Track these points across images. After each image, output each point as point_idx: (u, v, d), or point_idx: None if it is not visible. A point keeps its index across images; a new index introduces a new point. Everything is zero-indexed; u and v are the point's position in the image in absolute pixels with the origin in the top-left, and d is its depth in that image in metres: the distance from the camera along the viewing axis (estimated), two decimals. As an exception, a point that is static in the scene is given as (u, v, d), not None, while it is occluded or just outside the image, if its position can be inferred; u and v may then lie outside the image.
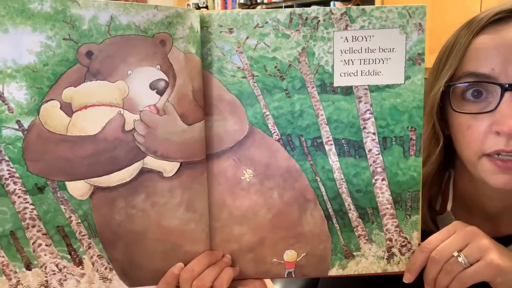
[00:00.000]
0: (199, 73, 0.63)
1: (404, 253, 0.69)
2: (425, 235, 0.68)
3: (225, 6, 4.44)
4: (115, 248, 0.64)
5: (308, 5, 3.84)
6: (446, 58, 0.71)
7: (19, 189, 0.60)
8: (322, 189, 0.67)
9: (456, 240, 0.63)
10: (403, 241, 0.68)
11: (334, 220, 0.68)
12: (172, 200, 0.64)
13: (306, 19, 0.62)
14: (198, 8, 4.35)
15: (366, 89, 0.64)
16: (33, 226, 0.61)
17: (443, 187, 0.81)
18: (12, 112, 0.58)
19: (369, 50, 0.62)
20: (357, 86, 0.64)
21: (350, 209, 0.67)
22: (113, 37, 0.58)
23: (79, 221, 0.63)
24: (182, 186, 0.64)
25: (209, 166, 0.66)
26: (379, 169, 0.66)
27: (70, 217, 0.62)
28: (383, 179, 0.66)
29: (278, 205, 0.67)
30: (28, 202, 0.61)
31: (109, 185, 0.62)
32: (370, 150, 0.65)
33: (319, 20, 0.62)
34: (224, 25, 0.63)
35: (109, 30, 0.58)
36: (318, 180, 0.66)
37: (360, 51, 0.62)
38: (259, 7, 4.21)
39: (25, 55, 0.57)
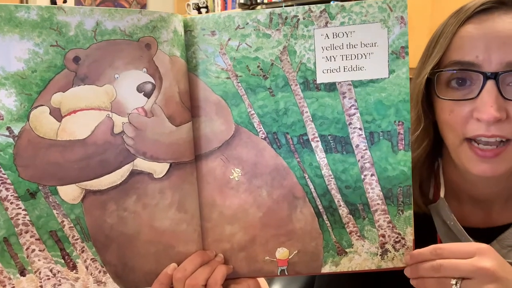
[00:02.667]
0: (184, 75, 0.65)
1: (398, 249, 0.69)
2: (417, 217, 0.68)
3: (225, 6, 4.41)
4: (108, 251, 0.65)
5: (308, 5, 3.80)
6: (433, 46, 0.73)
7: (11, 195, 0.61)
8: (311, 186, 0.67)
9: (467, 266, 0.59)
10: (397, 237, 0.69)
11: (325, 217, 0.68)
12: (163, 201, 0.65)
13: (286, 18, 0.64)
14: (198, 8, 4.35)
15: (349, 84, 0.65)
16: (26, 232, 0.62)
17: (435, 176, 0.82)
18: (2, 119, 0.59)
19: (351, 46, 0.64)
20: (340, 82, 0.65)
21: (340, 206, 0.68)
22: (99, 42, 0.60)
23: (72, 225, 0.63)
24: (172, 186, 0.65)
25: (198, 166, 0.67)
26: (367, 165, 0.67)
27: (62, 221, 0.63)
28: (372, 175, 0.67)
29: (267, 203, 0.68)
30: (20, 208, 0.62)
31: (100, 188, 0.63)
32: (357, 146, 0.66)
33: (298, 19, 0.64)
34: (207, 28, 0.65)
35: (95, 36, 0.60)
36: (306, 177, 0.67)
37: (341, 47, 0.64)
38: (259, 7, 4.19)
39: (13, 62, 0.58)
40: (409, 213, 0.68)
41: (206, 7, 4.39)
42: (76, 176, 0.62)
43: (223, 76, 0.66)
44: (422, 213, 0.78)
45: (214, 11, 4.37)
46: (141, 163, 0.63)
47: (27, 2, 4.04)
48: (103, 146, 0.62)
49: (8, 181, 0.61)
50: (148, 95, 0.62)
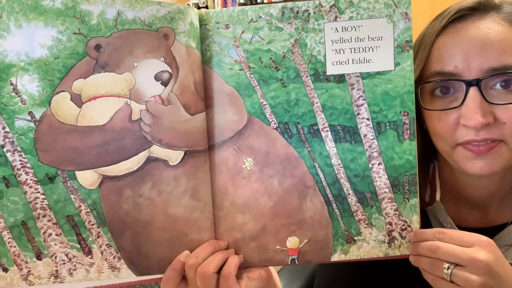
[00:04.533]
0: (199, 67, 0.67)
1: (405, 236, 0.71)
2: None
3: (225, 6, 4.48)
4: (123, 237, 0.66)
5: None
6: (413, 58, 0.75)
7: (30, 179, 0.63)
8: (321, 175, 0.69)
9: (462, 254, 0.60)
10: (403, 225, 0.71)
11: (334, 206, 0.70)
12: (177, 188, 0.66)
13: (297, 12, 0.67)
14: (198, 8, 4.38)
15: (358, 76, 0.68)
16: (44, 216, 0.64)
17: (430, 179, 0.83)
18: (25, 104, 0.61)
19: (359, 39, 0.67)
20: (349, 74, 0.68)
21: (349, 194, 0.70)
22: (120, 31, 0.63)
23: (88, 210, 0.65)
24: (186, 174, 0.67)
25: (211, 156, 0.69)
26: (375, 154, 0.69)
27: (79, 206, 0.64)
28: (379, 164, 0.69)
29: (278, 193, 0.70)
30: (39, 192, 0.63)
31: (117, 174, 0.65)
32: (365, 135, 0.69)
33: (309, 13, 0.67)
34: (221, 21, 0.68)
35: (116, 25, 0.62)
36: (317, 166, 0.69)
37: (350, 40, 0.67)
38: (258, 7, 4.23)
39: (37, 48, 0.61)
40: (415, 201, 0.70)
41: (206, 7, 4.43)
42: (94, 162, 0.64)
43: (237, 67, 0.68)
44: (422, 216, 0.79)
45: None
46: (157, 150, 0.65)
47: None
48: (121, 132, 0.64)
49: (28, 165, 0.62)
50: (165, 83, 0.64)
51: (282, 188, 0.70)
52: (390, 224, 0.70)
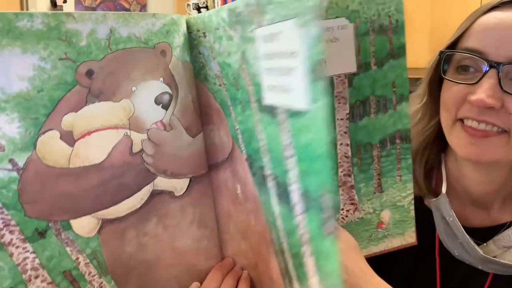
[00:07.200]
0: (194, 82, 0.60)
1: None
2: (418, 212, 0.70)
3: None
4: (128, 282, 0.58)
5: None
6: (457, 29, 0.74)
7: (16, 238, 0.51)
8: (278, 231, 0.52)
9: None
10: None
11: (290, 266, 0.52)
12: (184, 219, 0.60)
13: (239, 14, 0.48)
14: (198, 8, 3.98)
15: (284, 112, 0.44)
16: (36, 277, 0.53)
17: (436, 173, 0.84)
18: (4, 151, 0.49)
19: (281, 54, 0.42)
20: (277, 107, 0.44)
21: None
22: (114, 51, 0.52)
23: (88, 261, 0.56)
24: (193, 203, 0.60)
25: (211, 177, 0.63)
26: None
27: (77, 258, 0.55)
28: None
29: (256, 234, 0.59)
30: (28, 251, 0.52)
31: (118, 215, 0.56)
32: (294, 206, 0.45)
33: (244, 15, 0.48)
34: (200, 29, 0.57)
35: (110, 45, 0.52)
36: (270, 220, 0.53)
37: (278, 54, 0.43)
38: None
39: (15, 82, 0.48)
40: None
41: (206, 7, 4.06)
42: (92, 206, 0.54)
43: (217, 82, 0.57)
44: (423, 209, 0.79)
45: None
46: (161, 182, 0.58)
47: (27, 7, 3.24)
48: (121, 168, 0.55)
49: (13, 222, 0.51)
50: (166, 106, 0.56)
51: (258, 230, 0.58)
52: None
